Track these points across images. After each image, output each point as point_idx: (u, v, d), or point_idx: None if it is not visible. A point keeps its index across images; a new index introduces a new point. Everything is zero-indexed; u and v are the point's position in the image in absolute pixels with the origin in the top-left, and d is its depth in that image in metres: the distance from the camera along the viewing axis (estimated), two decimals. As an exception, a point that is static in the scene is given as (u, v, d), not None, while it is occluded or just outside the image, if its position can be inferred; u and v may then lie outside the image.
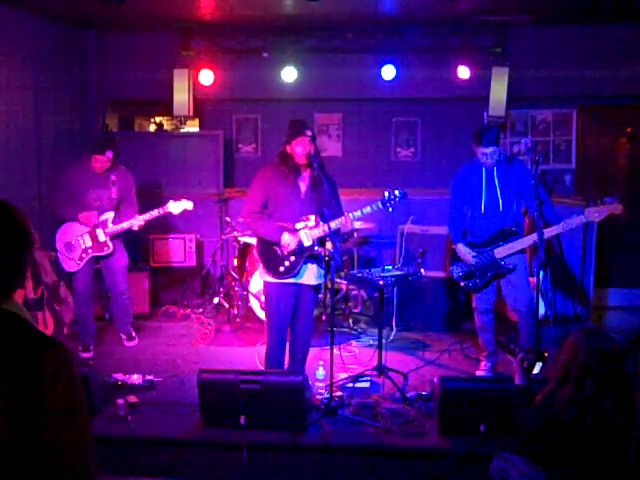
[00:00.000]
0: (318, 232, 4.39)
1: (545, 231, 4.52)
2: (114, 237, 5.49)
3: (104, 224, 5.40)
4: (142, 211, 5.54)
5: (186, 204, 5.58)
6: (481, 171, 4.91)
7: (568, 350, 2.92)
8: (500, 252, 4.82)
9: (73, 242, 5.41)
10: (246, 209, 4.56)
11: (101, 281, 5.79)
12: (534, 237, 4.60)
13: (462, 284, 5.01)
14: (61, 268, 5.53)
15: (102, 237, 5.41)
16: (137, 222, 5.39)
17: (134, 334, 5.86)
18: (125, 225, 5.41)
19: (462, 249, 4.96)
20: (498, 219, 4.87)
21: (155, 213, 5.44)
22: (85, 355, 5.52)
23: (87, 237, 5.41)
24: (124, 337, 5.79)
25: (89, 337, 5.61)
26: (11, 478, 1.46)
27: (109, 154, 5.28)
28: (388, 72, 7.17)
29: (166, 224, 6.94)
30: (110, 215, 5.42)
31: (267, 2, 6.18)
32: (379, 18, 6.96)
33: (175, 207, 5.53)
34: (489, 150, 4.76)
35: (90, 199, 5.38)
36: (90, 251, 5.42)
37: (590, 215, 4.57)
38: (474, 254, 4.90)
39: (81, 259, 5.42)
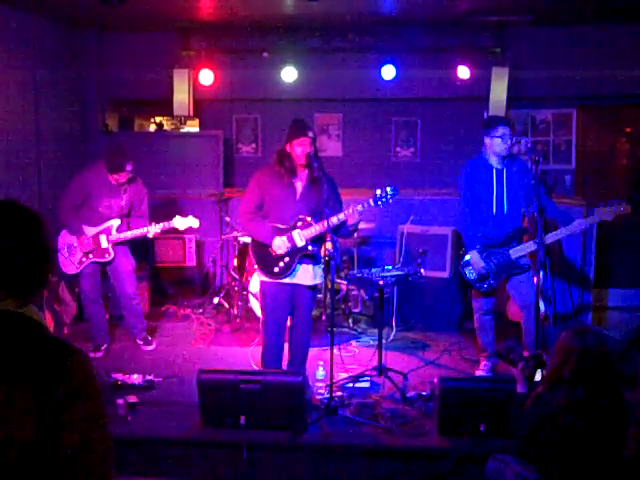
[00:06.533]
0: (312, 232, 4.39)
1: (558, 232, 4.62)
2: (120, 243, 5.43)
3: (108, 231, 5.37)
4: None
5: (191, 221, 5.48)
6: (491, 171, 4.85)
7: (559, 353, 2.92)
8: (515, 253, 4.79)
9: (75, 244, 5.38)
10: (241, 210, 4.57)
11: (106, 283, 5.70)
12: (550, 237, 4.65)
13: (476, 286, 4.92)
14: (60, 269, 5.50)
15: (104, 244, 5.36)
16: (152, 231, 5.34)
17: (150, 338, 5.79)
18: (129, 234, 5.38)
19: (475, 257, 4.83)
20: (508, 221, 4.83)
21: (160, 226, 5.37)
22: (94, 355, 5.45)
23: (90, 241, 5.36)
24: (141, 343, 5.70)
25: (101, 337, 5.56)
26: None
27: (129, 167, 5.23)
28: (388, 72, 7.17)
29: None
30: (116, 223, 5.38)
31: (267, 2, 6.19)
32: (379, 18, 6.96)
33: (181, 223, 5.44)
34: (508, 130, 4.75)
35: (102, 206, 5.35)
36: (91, 256, 5.38)
37: (601, 214, 4.58)
38: (484, 265, 4.81)
39: (80, 263, 5.38)
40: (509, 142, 4.77)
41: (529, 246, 4.75)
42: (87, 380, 1.52)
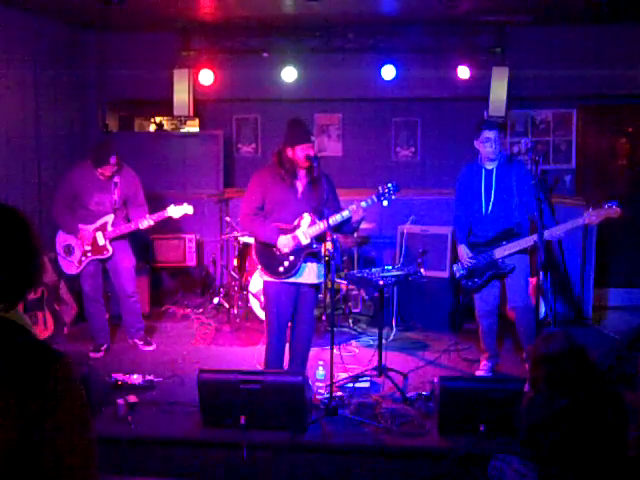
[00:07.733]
0: (315, 230, 4.40)
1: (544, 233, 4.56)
2: (119, 238, 5.43)
3: (103, 227, 5.36)
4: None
5: (186, 209, 5.49)
6: (480, 173, 4.93)
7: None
8: (499, 252, 4.85)
9: (73, 245, 5.38)
10: (242, 211, 4.56)
11: (106, 282, 5.71)
12: (533, 238, 4.65)
13: (462, 282, 5.05)
14: (61, 269, 5.52)
15: (101, 241, 5.36)
16: (145, 223, 5.32)
17: (150, 338, 5.79)
18: (124, 228, 5.37)
19: (461, 250, 5.03)
20: (496, 221, 4.88)
21: (155, 217, 5.38)
22: (95, 355, 5.47)
23: (87, 239, 5.35)
24: (140, 343, 5.67)
25: (101, 337, 5.56)
26: None
27: (113, 159, 5.21)
28: (388, 72, 7.17)
29: (166, 224, 6.91)
30: (110, 218, 5.37)
31: (267, 2, 6.18)
32: (379, 18, 6.96)
33: (175, 211, 5.44)
34: (492, 134, 4.78)
35: (92, 203, 5.34)
36: (89, 254, 5.37)
37: (588, 218, 4.59)
38: (471, 255, 4.95)
39: (80, 262, 5.39)
40: (494, 146, 4.81)
41: (512, 247, 4.81)
42: (71, 385, 1.49)
